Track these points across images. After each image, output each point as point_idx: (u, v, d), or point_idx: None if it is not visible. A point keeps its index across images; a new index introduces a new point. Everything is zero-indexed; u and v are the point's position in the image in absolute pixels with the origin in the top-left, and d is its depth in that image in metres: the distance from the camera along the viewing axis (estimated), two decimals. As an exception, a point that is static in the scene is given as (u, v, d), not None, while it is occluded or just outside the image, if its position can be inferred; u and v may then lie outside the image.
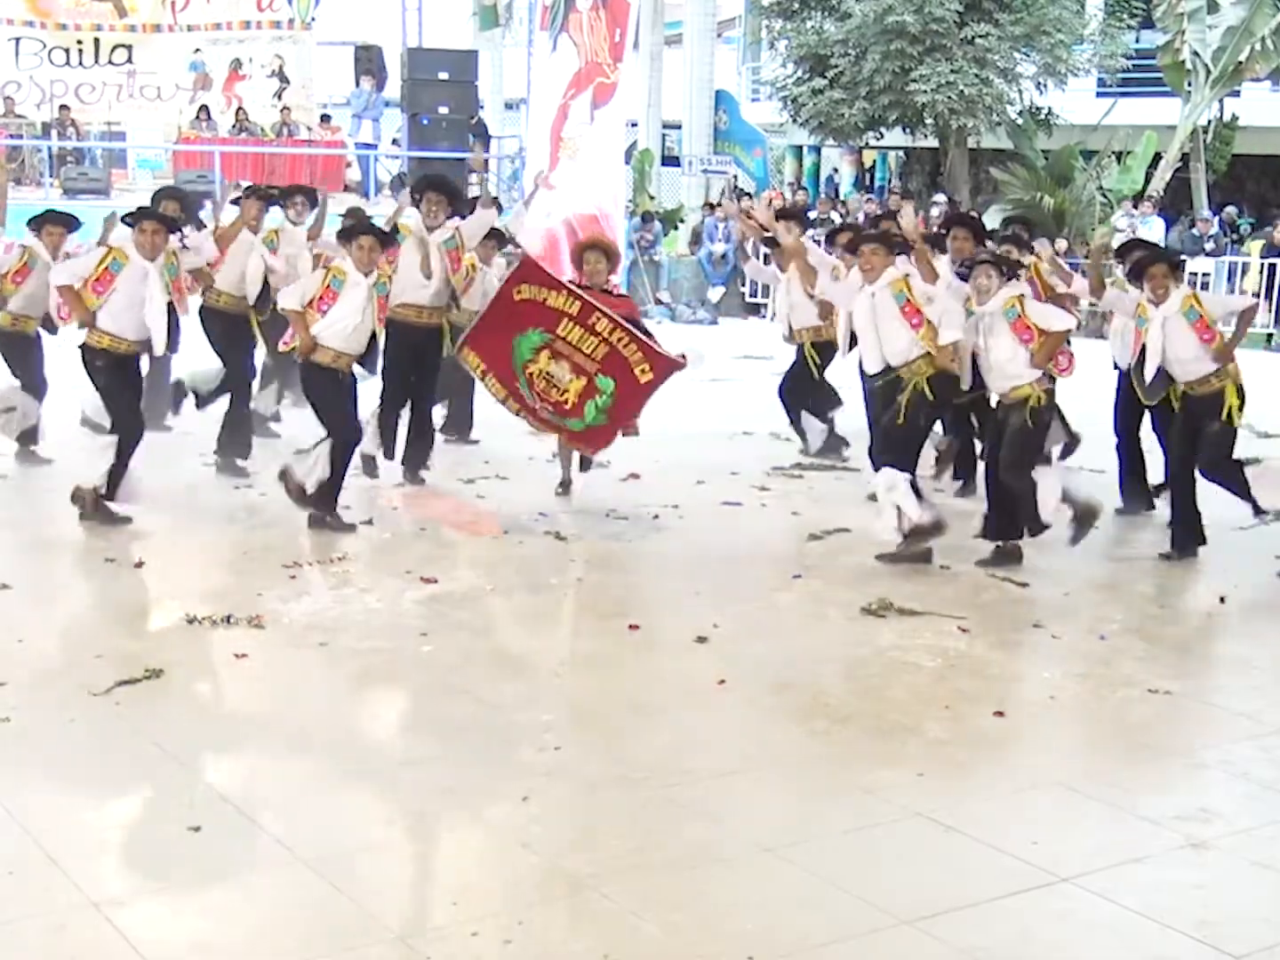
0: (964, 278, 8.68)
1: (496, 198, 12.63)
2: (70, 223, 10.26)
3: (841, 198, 28.46)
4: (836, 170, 34.49)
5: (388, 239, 9.19)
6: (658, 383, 9.16)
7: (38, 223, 10.22)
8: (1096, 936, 4.59)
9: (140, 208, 9.42)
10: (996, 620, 7.71)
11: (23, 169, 22.42)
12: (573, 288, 9.19)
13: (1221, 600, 8.17)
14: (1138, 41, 27.02)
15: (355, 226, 9.13)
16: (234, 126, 23.94)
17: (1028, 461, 8.53)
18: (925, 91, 23.69)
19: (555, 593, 8.01)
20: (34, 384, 10.40)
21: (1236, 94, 25.65)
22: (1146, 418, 9.74)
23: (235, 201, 10.84)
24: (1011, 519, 8.64)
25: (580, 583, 8.14)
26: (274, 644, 6.98)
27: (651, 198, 24.83)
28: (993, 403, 8.98)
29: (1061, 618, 7.75)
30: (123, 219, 9.18)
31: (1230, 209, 24.96)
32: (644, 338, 9.16)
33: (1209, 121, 25.58)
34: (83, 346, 8.87)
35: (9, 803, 5.21)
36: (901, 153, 33.30)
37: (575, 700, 6.47)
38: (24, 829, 5.01)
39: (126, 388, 9.00)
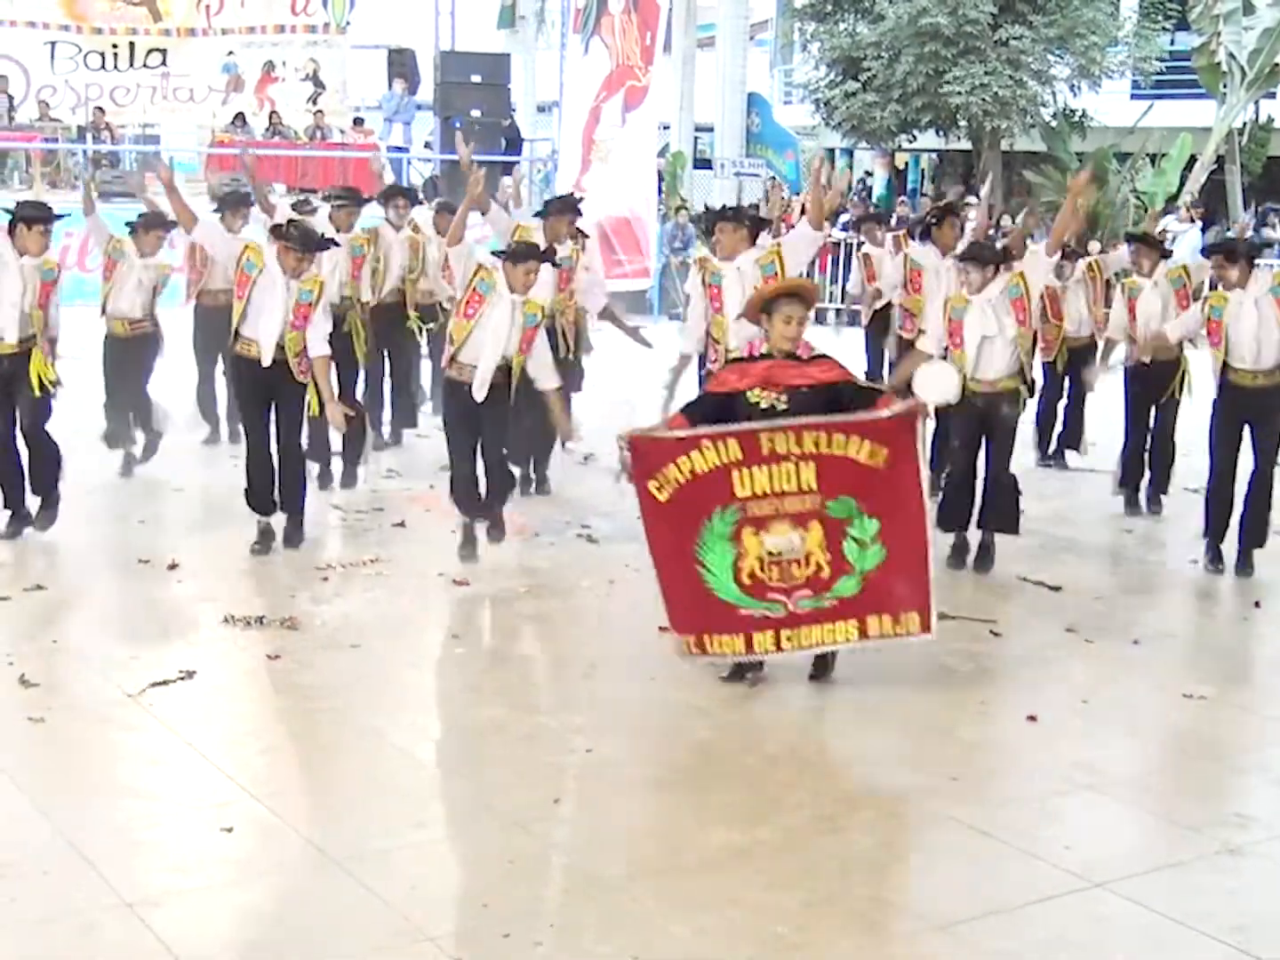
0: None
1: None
2: (165, 223, 10.15)
3: (874, 200, 28.40)
4: (869, 173, 34.41)
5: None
6: (905, 452, 6.19)
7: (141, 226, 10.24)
8: (1130, 942, 4.56)
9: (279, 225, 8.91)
10: (1029, 624, 7.69)
11: (58, 172, 22.54)
12: (707, 431, 6.21)
13: (1256, 604, 8.12)
14: (1172, 43, 26.91)
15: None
16: (267, 129, 24.02)
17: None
18: (959, 94, 23.63)
19: (586, 595, 8.01)
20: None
21: (1272, 96, 25.52)
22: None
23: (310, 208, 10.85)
24: (1014, 511, 8.61)
25: (612, 585, 8.13)
26: (307, 646, 7.00)
27: (683, 200, 24.81)
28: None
29: (1094, 622, 7.71)
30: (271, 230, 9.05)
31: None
32: (839, 417, 6.19)
33: (1244, 124, 25.45)
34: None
35: (43, 803, 5.24)
36: (934, 155, 33.23)
37: (606, 703, 6.46)
38: (58, 829, 5.04)
39: None
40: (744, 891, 4.78)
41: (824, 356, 6.49)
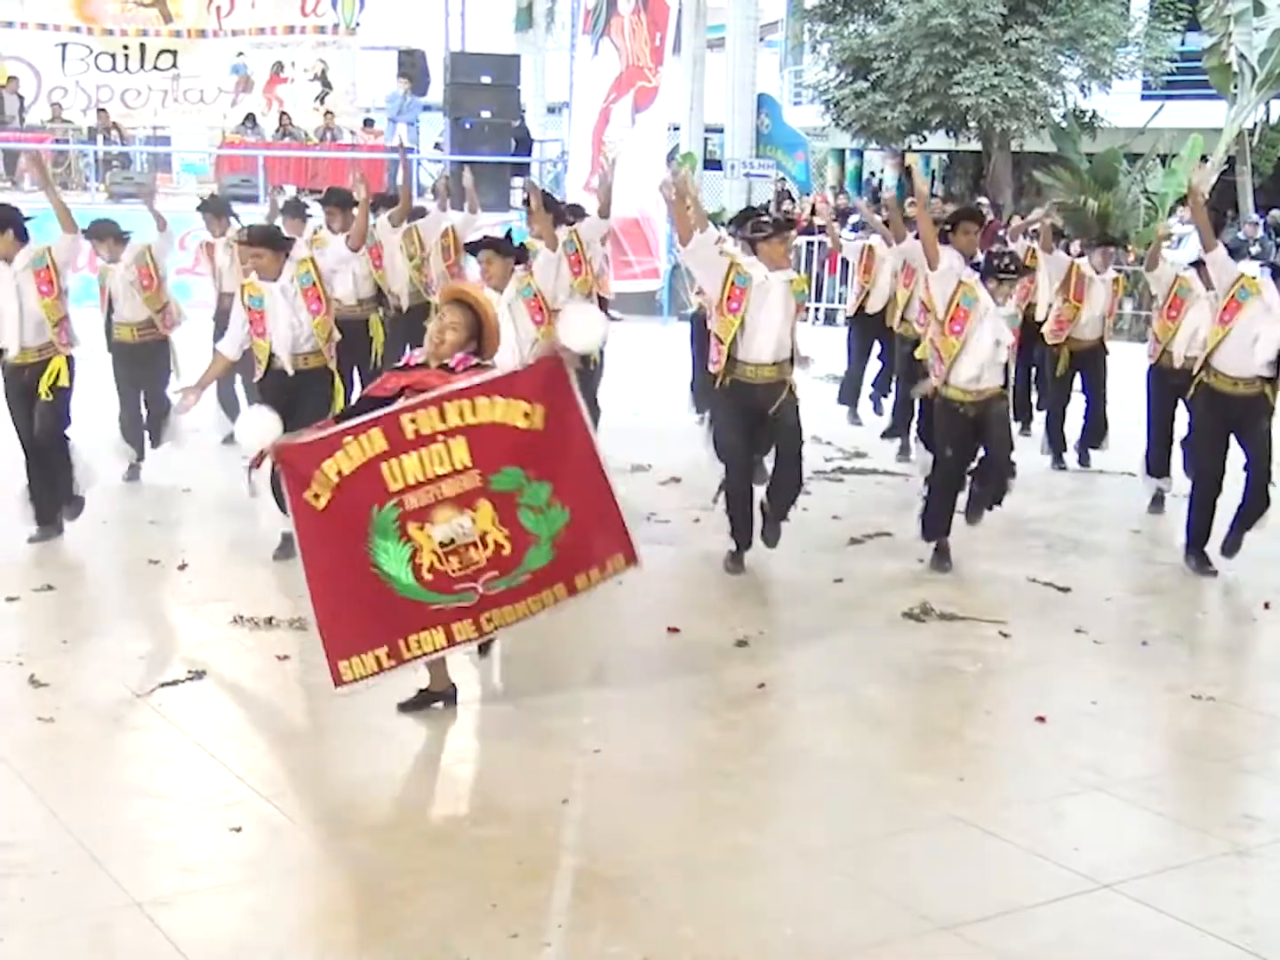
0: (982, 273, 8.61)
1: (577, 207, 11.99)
2: (116, 232, 10.21)
3: (884, 201, 28.35)
4: (877, 174, 34.39)
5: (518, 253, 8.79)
6: (561, 402, 5.84)
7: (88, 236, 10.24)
8: (1138, 943, 4.56)
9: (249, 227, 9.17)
10: (1037, 625, 7.68)
11: (69, 173, 22.60)
12: (344, 426, 5.77)
13: (1266, 606, 8.10)
14: (1183, 44, 26.83)
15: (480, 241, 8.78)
16: (277, 130, 24.05)
17: None
18: (969, 94, 23.61)
19: (595, 595, 7.99)
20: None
21: (1283, 96, 25.47)
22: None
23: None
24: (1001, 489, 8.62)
25: (620, 585, 8.12)
26: (316, 646, 6.95)
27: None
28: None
29: (1103, 623, 7.71)
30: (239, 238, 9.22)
31: (1276, 212, 24.76)
32: (478, 379, 5.80)
33: (1255, 124, 25.40)
34: None
35: (53, 803, 5.26)
36: (944, 156, 33.19)
37: (615, 703, 6.47)
38: (67, 829, 5.05)
39: None
40: (752, 891, 4.78)
41: (479, 367, 5.98)
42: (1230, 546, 8.64)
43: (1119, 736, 6.26)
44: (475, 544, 5.76)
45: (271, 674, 6.72)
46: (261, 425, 6.08)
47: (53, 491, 8.63)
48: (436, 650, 5.92)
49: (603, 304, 10.88)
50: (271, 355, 8.27)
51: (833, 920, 4.63)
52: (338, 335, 8.51)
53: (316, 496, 5.73)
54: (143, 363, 10.21)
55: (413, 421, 5.66)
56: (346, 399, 8.57)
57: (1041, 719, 6.32)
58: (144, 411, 10.33)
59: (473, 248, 8.75)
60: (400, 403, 5.74)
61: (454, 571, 5.77)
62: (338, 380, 8.53)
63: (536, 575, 5.91)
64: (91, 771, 5.64)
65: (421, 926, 4.50)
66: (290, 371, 8.26)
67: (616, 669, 6.93)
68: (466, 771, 5.74)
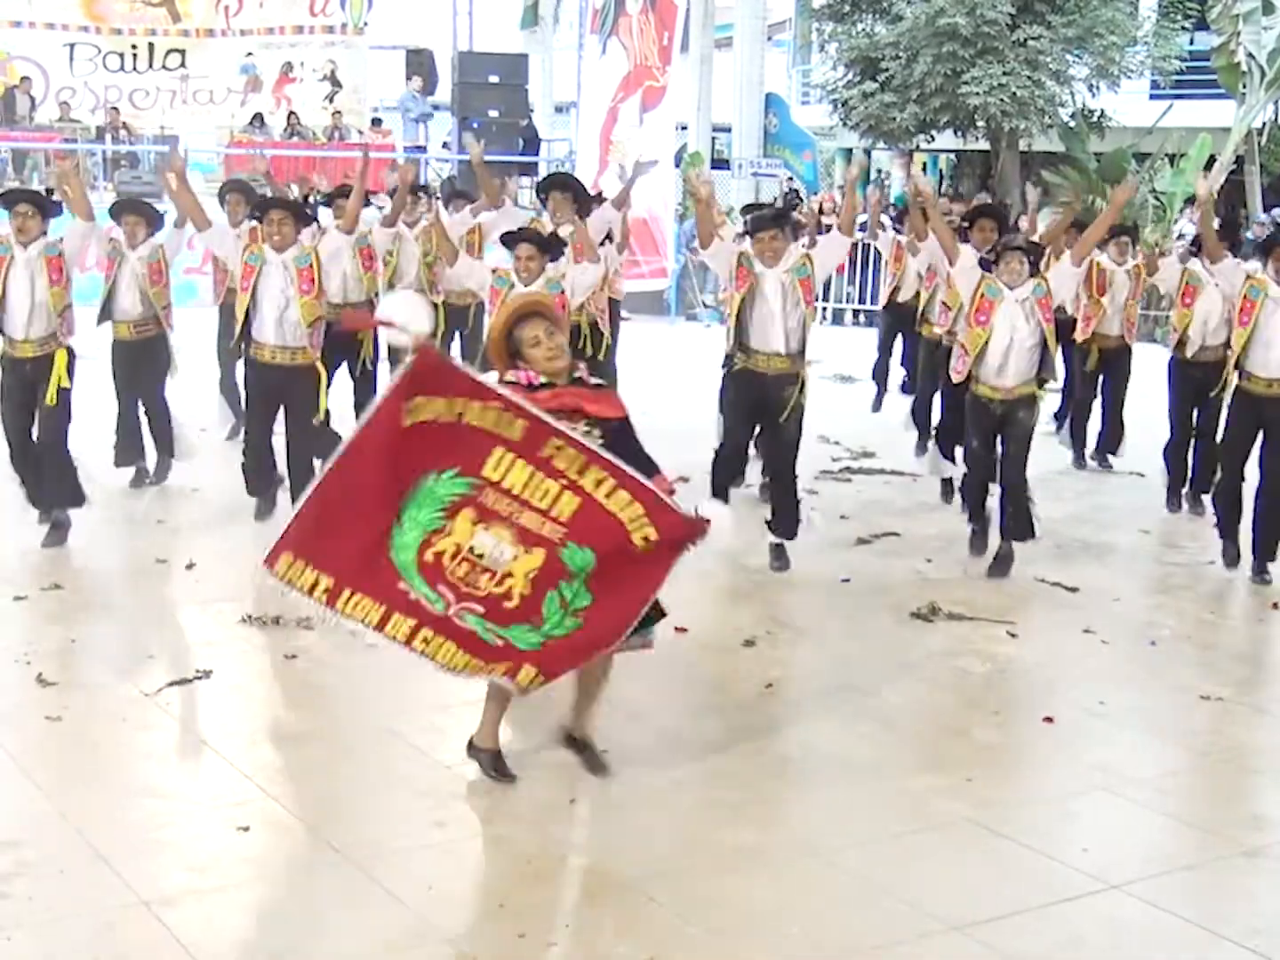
0: (986, 265, 8.56)
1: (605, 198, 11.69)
2: (150, 213, 10.09)
3: (892, 200, 28.36)
4: (886, 173, 34.37)
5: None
6: (667, 557, 5.32)
7: (116, 211, 10.21)
8: (1146, 944, 4.56)
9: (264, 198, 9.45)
10: (1046, 625, 7.67)
11: (77, 172, 22.62)
12: (510, 396, 5.16)
13: (1275, 606, 8.09)
14: (1192, 43, 26.81)
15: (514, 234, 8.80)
16: (286, 130, 24.08)
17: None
18: (977, 94, 23.57)
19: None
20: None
21: (1291, 96, 25.43)
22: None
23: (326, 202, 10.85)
24: (1028, 517, 8.51)
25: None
26: (323, 645, 6.99)
27: (701, 201, 24.75)
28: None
29: (1112, 623, 7.70)
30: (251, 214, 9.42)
31: (1281, 211, 24.75)
32: (640, 478, 5.21)
33: (1264, 124, 25.36)
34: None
35: (60, 801, 5.26)
36: (952, 155, 33.17)
37: (621, 702, 6.46)
38: (74, 828, 5.05)
39: None
40: (758, 891, 4.78)
41: (603, 388, 5.52)
42: (1259, 572, 8.53)
43: (1127, 737, 6.25)
44: (492, 574, 5.19)
45: (279, 673, 6.72)
46: (415, 307, 5.37)
47: (41, 484, 8.62)
48: (366, 618, 5.25)
49: (613, 305, 10.82)
50: (248, 322, 8.61)
51: (841, 920, 4.62)
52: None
53: (413, 412, 5.10)
54: (141, 360, 9.88)
55: (557, 448, 5.14)
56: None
57: (1050, 719, 6.32)
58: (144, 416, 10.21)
59: (511, 240, 8.64)
60: (555, 422, 5.17)
61: (450, 575, 5.20)
62: (323, 379, 8.70)
63: (509, 649, 5.25)
64: (99, 770, 5.65)
65: (428, 926, 4.50)
66: (271, 344, 8.61)
67: (623, 668, 6.90)
68: (472, 771, 5.73)
